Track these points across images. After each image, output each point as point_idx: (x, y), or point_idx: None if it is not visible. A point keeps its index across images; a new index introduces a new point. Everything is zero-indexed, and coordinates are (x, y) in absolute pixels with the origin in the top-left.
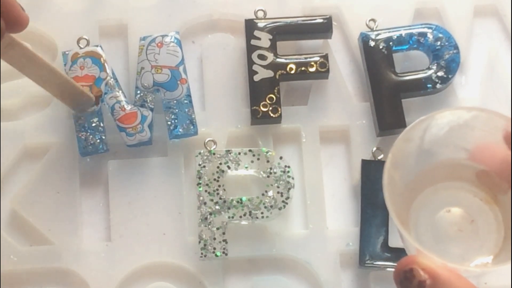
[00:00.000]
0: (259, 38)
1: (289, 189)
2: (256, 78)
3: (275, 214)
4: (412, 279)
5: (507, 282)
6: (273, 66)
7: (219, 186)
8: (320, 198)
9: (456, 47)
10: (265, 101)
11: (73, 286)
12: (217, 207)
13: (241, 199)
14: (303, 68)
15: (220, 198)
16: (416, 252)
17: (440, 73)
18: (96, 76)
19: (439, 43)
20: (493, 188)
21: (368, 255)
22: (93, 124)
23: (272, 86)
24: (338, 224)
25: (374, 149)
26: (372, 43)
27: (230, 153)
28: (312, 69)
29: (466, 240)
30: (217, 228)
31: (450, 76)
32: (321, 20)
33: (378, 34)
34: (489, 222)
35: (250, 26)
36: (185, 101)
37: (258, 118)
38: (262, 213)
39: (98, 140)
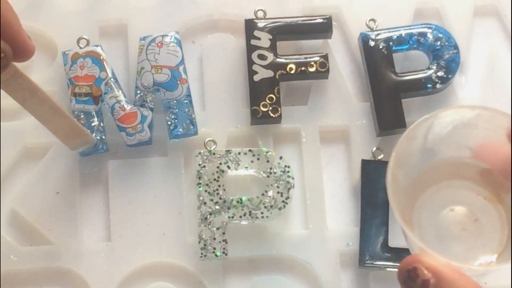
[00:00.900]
0: (259, 38)
1: (289, 189)
2: (256, 78)
3: (275, 214)
4: (416, 278)
5: (507, 282)
6: (273, 66)
7: (219, 186)
8: (320, 198)
9: (456, 47)
10: (265, 101)
11: (73, 286)
12: (217, 207)
13: (241, 199)
14: (303, 68)
15: (220, 198)
16: (420, 251)
17: (440, 73)
18: (96, 76)
19: (439, 43)
20: (496, 186)
21: (368, 255)
22: (93, 124)
23: (272, 86)
24: (338, 224)
25: (374, 149)
26: (372, 43)
27: (230, 153)
28: (312, 69)
29: (469, 239)
30: (217, 228)
31: (450, 76)
32: (321, 20)
33: (378, 34)
34: (492, 221)
35: (250, 26)
36: (185, 101)
37: (258, 118)
38: (262, 213)
39: (98, 140)
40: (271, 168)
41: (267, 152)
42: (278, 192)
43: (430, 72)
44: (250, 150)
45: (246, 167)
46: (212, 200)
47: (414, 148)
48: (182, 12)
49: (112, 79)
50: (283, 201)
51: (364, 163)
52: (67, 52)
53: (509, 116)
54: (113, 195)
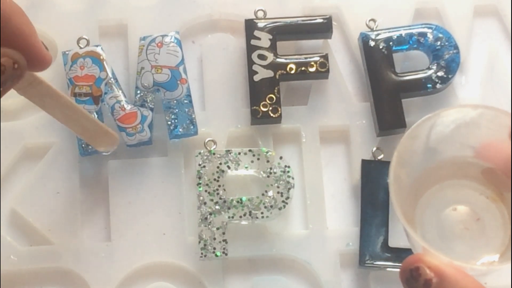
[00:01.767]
0: (259, 38)
1: (289, 189)
2: (256, 78)
3: (275, 214)
4: (418, 277)
5: (507, 282)
6: (273, 66)
7: (219, 186)
8: (320, 198)
9: (456, 47)
10: (265, 101)
11: (73, 286)
12: (217, 207)
13: (241, 199)
14: (303, 68)
15: (220, 198)
16: (422, 250)
17: (440, 73)
18: (96, 76)
19: (439, 43)
20: (499, 186)
21: (368, 255)
22: None
23: (272, 86)
24: (338, 224)
25: (374, 149)
26: (372, 43)
27: (230, 153)
28: (312, 69)
29: (472, 238)
30: (217, 228)
31: (450, 76)
32: (321, 20)
33: (378, 34)
34: (495, 220)
35: (250, 26)
36: (185, 101)
37: (258, 118)
38: (262, 213)
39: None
40: (271, 168)
41: (267, 152)
42: (278, 192)
43: (430, 72)
44: (250, 150)
45: (246, 167)
46: (212, 200)
47: (417, 148)
48: (182, 12)
49: (112, 79)
50: (283, 201)
51: (364, 163)
52: (67, 52)
53: None
54: (113, 195)
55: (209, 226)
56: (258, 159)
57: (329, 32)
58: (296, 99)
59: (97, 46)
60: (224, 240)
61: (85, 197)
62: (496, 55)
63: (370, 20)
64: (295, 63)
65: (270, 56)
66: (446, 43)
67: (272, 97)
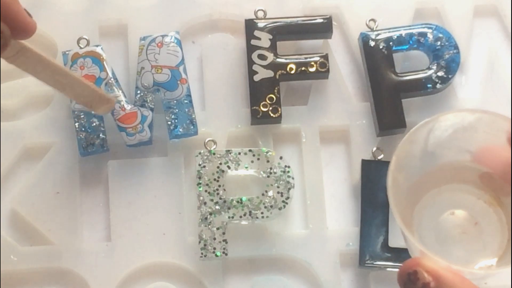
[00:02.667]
0: (259, 38)
1: (289, 189)
2: (256, 78)
3: (275, 214)
4: (416, 281)
5: (507, 282)
6: (273, 66)
7: (219, 186)
8: (320, 198)
9: (456, 47)
10: (265, 101)
11: (73, 286)
12: (217, 207)
13: (241, 199)
14: (303, 68)
15: (220, 198)
16: (420, 254)
17: (440, 73)
18: (96, 76)
19: (439, 43)
20: (496, 190)
21: (368, 255)
22: (93, 124)
23: (272, 86)
24: (338, 224)
25: (374, 149)
26: (372, 43)
27: (230, 153)
28: (312, 69)
29: (470, 242)
30: (217, 228)
31: (450, 76)
32: (321, 20)
33: (378, 34)
34: (493, 224)
35: (250, 26)
36: (185, 101)
37: (258, 118)
38: (262, 213)
39: (98, 140)
40: (271, 168)
41: (267, 152)
42: (278, 192)
43: (430, 72)
44: (250, 150)
45: (246, 167)
46: (212, 200)
47: (415, 152)
48: (182, 12)
49: (112, 79)
50: (283, 201)
51: (364, 163)
52: (67, 52)
53: (510, 120)
54: (113, 195)
55: (209, 226)
56: (258, 159)
57: (329, 32)
58: (296, 99)
59: (97, 46)
60: (224, 240)
61: (85, 197)
62: (496, 55)
63: (370, 20)
64: (295, 63)
65: (270, 56)
66: (446, 43)
67: (272, 97)
